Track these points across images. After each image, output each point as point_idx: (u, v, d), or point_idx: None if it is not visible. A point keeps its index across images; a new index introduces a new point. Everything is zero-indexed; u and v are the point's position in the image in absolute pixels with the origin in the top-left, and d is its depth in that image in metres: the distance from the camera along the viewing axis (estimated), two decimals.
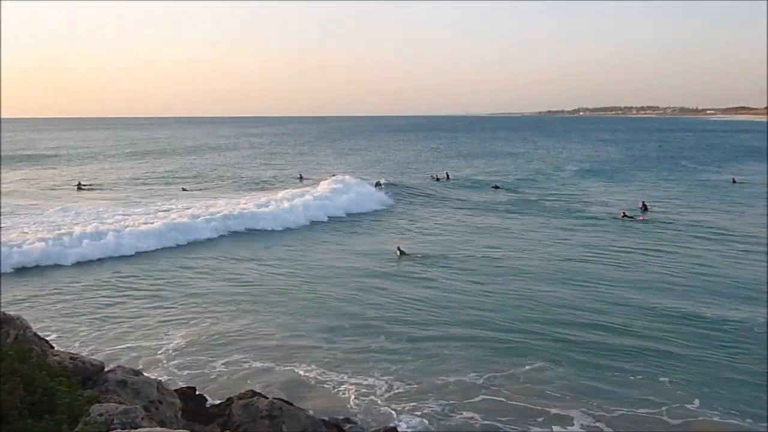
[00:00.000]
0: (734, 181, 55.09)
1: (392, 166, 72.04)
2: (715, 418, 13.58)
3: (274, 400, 11.59)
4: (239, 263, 27.08)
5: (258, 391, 12.78)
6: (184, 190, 50.15)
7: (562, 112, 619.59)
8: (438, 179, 57.01)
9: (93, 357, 12.26)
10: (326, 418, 12.21)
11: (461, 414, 13.66)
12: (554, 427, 13.27)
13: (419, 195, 48.31)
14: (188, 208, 37.97)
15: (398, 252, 27.75)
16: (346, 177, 48.12)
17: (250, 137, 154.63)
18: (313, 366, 15.99)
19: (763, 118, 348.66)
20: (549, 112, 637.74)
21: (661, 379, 15.50)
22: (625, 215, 36.93)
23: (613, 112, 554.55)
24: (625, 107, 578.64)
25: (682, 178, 59.78)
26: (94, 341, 17.64)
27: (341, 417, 12.72)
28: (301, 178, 56.80)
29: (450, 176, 58.76)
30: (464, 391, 14.77)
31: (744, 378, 15.57)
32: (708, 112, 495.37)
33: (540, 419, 13.55)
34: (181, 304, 21.13)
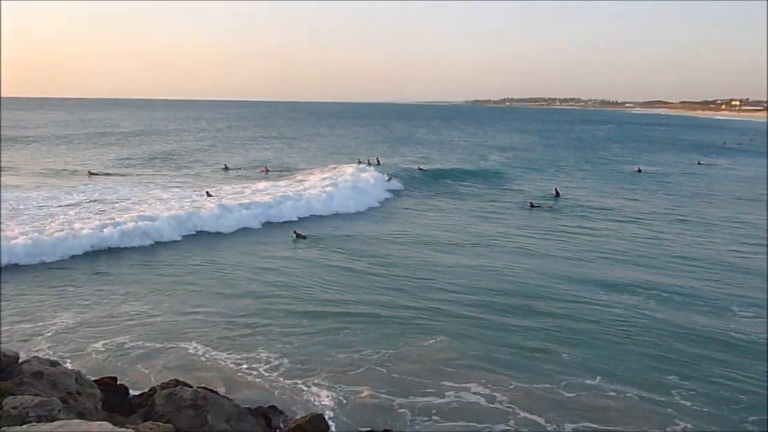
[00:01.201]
0: (639, 171, 58.77)
1: (318, 152, 71.51)
2: (611, 393, 14.27)
3: (198, 389, 11.41)
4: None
5: (181, 379, 12.57)
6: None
7: (489, 101, 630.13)
8: (369, 164, 56.99)
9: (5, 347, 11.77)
10: (251, 407, 12.14)
11: (355, 389, 14.02)
12: (446, 398, 13.83)
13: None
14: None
15: (294, 236, 28.61)
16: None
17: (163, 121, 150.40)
18: (201, 346, 16.16)
19: (677, 112, 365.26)
20: (476, 101, 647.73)
21: (564, 355, 16.24)
22: (532, 205, 38.57)
23: (538, 104, 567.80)
24: (550, 99, 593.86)
25: (596, 167, 62.49)
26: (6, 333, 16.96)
27: (267, 405, 12.66)
28: (226, 168, 54.09)
29: (380, 162, 58.98)
30: (360, 368, 15.16)
31: (641, 352, 16.62)
32: (627, 105, 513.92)
33: (432, 391, 14.09)
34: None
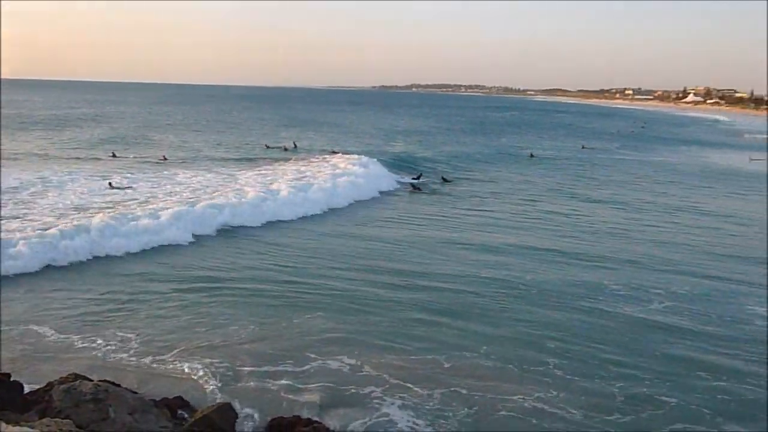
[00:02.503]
0: (532, 156, 61.40)
1: (229, 137, 69.74)
2: (488, 363, 15.00)
3: (100, 383, 11.04)
4: None
5: (81, 373, 12.11)
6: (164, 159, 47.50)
7: (396, 87, 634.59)
8: (286, 149, 56.89)
9: None
10: (156, 399, 11.86)
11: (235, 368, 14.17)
12: (311, 366, 14.34)
13: (244, 160, 49.01)
14: None
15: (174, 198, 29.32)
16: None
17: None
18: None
19: (576, 100, 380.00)
20: (383, 87, 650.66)
21: (444, 328, 16.97)
22: (414, 187, 40.54)
23: (444, 90, 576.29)
24: (455, 85, 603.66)
25: (494, 152, 64.55)
26: None
27: (171, 396, 12.40)
28: (164, 158, 48.27)
29: (296, 146, 58.78)
30: (241, 344, 15.44)
31: (519, 319, 17.71)
32: (529, 92, 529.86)
33: (301, 362, 14.53)
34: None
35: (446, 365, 14.84)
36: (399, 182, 42.44)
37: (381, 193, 38.47)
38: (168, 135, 68.99)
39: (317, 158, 49.62)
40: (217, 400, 12.40)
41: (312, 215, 30.96)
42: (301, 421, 11.71)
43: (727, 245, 27.81)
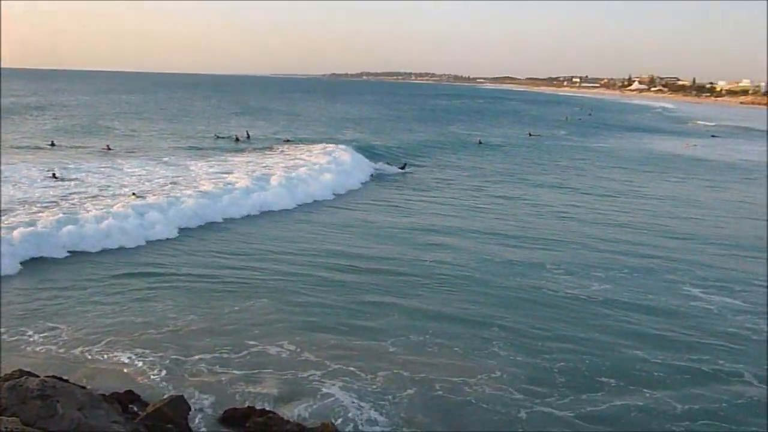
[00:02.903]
0: (480, 143, 62.47)
1: (179, 126, 68.08)
2: (434, 347, 15.29)
3: (46, 378, 10.81)
4: None
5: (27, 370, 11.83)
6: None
7: (347, 75, 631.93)
8: (238, 139, 55.24)
9: None
10: (106, 393, 11.68)
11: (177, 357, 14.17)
12: (249, 352, 14.48)
13: (194, 150, 47.88)
14: None
15: (133, 196, 28.12)
16: None
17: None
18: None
19: (524, 88, 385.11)
20: (333, 74, 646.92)
21: (394, 314, 17.13)
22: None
23: (395, 78, 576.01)
24: (406, 73, 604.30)
25: (444, 140, 65.24)
26: None
27: (122, 391, 12.22)
28: (108, 148, 45.98)
29: (249, 135, 57.44)
30: (184, 332, 15.48)
31: (467, 299, 18.24)
32: (479, 80, 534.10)
33: (239, 347, 14.69)
34: None
35: (391, 348, 15.05)
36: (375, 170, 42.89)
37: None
38: (114, 123, 67.13)
39: (275, 150, 48.83)
40: (165, 392, 12.33)
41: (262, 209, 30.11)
42: (255, 411, 11.70)
43: (664, 226, 29.38)
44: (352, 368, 13.87)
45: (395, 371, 13.90)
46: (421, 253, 23.08)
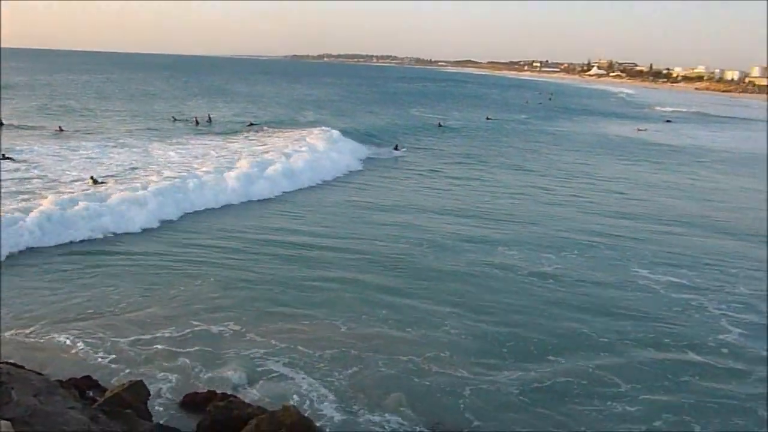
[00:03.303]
0: (440, 126, 62.75)
1: (137, 107, 66.34)
2: (386, 325, 15.55)
3: (0, 365, 10.60)
4: None
5: None
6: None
7: (308, 57, 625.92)
8: (198, 122, 52.59)
9: None
10: (63, 379, 11.50)
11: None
12: (191, 331, 14.64)
13: (153, 131, 46.61)
14: None
15: (91, 180, 27.37)
16: None
17: None
18: None
19: (485, 71, 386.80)
20: (295, 56, 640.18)
21: (344, 296, 17.30)
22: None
23: (356, 60, 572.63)
24: (367, 56, 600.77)
25: (405, 122, 65.26)
26: None
27: (80, 376, 12.05)
28: (60, 129, 43.90)
29: (211, 119, 55.25)
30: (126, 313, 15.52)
31: (425, 290, 18.14)
32: (440, 63, 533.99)
33: (175, 328, 14.77)
34: None
35: (343, 328, 15.22)
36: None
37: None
38: (70, 103, 65.10)
39: (239, 135, 47.14)
40: (121, 376, 12.26)
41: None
42: (216, 395, 11.65)
43: (615, 206, 30.86)
44: (300, 347, 14.01)
45: (344, 350, 14.06)
46: (376, 232, 23.46)
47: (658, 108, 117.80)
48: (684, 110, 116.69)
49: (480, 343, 14.88)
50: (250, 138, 45.89)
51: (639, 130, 71.63)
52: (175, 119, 54.81)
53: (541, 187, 34.41)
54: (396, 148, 45.24)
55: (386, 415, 11.80)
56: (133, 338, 14.15)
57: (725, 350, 15.27)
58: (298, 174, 33.10)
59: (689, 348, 15.23)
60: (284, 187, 30.71)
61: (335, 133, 46.17)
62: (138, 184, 26.96)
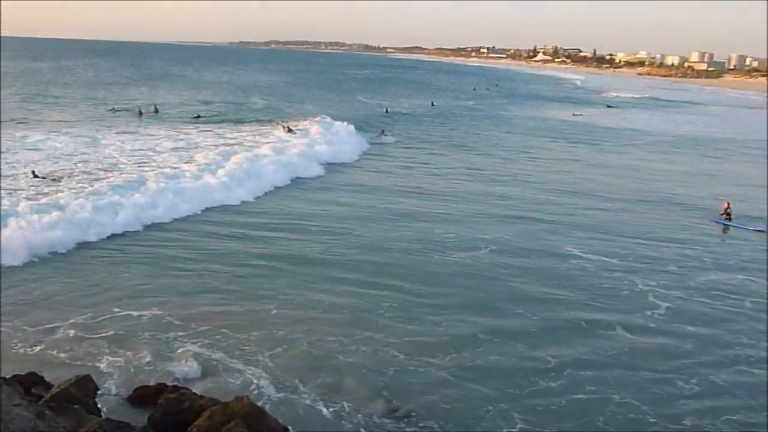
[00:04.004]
0: (387, 111, 62.71)
1: (73, 94, 64.37)
2: (320, 309, 15.68)
3: None
4: None
5: None
6: None
7: (255, 43, 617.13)
8: (141, 113, 49.93)
9: None
10: (7, 376, 11.20)
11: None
12: (106, 317, 14.65)
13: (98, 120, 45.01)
14: None
15: (32, 175, 26.57)
16: None
17: None
18: None
19: (433, 58, 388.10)
20: (241, 43, 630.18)
21: (280, 280, 17.47)
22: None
23: (305, 47, 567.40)
24: (315, 42, 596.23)
25: (352, 108, 65.80)
26: None
27: (24, 372, 11.74)
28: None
29: (158, 109, 52.55)
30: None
31: (362, 275, 18.31)
32: (389, 50, 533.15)
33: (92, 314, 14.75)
34: None
35: (274, 311, 15.33)
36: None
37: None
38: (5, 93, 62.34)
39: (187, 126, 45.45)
40: (68, 370, 11.99)
41: None
42: (167, 388, 11.52)
43: (550, 183, 32.76)
44: (224, 330, 14.09)
45: (274, 332, 14.17)
46: (314, 219, 23.50)
47: (610, 94, 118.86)
48: (638, 96, 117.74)
49: (413, 322, 15.14)
50: (202, 129, 44.02)
51: (575, 114, 73.39)
52: (115, 109, 52.06)
53: (480, 168, 35.92)
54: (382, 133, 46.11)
55: (313, 394, 11.98)
56: (72, 333, 13.89)
57: (653, 325, 15.86)
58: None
59: (619, 324, 15.70)
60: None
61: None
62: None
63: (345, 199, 26.59)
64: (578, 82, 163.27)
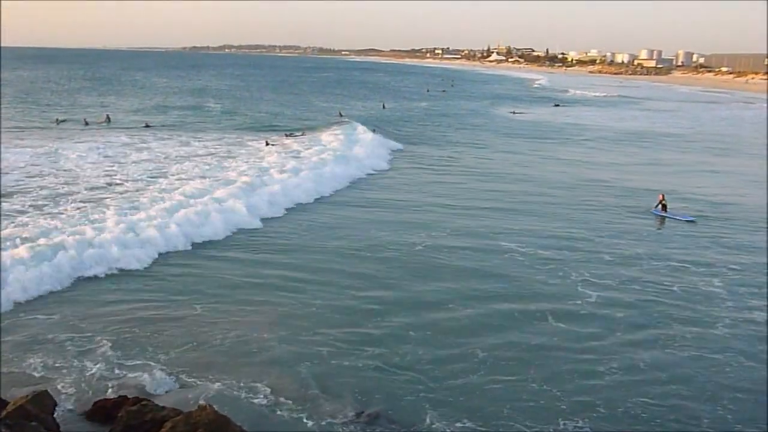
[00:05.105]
0: (341, 115, 61.70)
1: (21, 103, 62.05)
2: (247, 305, 15.82)
3: None
4: None
5: None
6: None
7: (208, 48, 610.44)
8: (87, 123, 47.74)
9: None
10: None
11: None
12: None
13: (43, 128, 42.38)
14: None
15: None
16: None
17: None
18: None
19: (388, 59, 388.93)
20: (194, 48, 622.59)
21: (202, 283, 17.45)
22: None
23: (259, 51, 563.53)
24: (270, 46, 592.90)
25: (307, 112, 65.92)
26: None
27: None
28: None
29: (110, 119, 50.57)
30: None
31: (294, 270, 18.51)
32: (344, 53, 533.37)
33: None
34: None
35: (198, 310, 15.42)
36: None
37: None
38: None
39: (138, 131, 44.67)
40: (23, 388, 11.60)
41: None
42: (127, 400, 11.30)
43: (491, 171, 36.06)
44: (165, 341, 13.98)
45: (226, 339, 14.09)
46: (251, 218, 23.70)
47: (558, 93, 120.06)
48: (601, 95, 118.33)
49: (347, 314, 15.40)
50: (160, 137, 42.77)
51: (515, 112, 74.91)
52: (59, 120, 48.74)
53: (425, 163, 38.34)
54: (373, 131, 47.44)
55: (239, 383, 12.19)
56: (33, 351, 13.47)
57: (584, 312, 16.18)
58: None
59: (551, 314, 15.95)
60: None
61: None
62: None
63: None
64: (546, 83, 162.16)
